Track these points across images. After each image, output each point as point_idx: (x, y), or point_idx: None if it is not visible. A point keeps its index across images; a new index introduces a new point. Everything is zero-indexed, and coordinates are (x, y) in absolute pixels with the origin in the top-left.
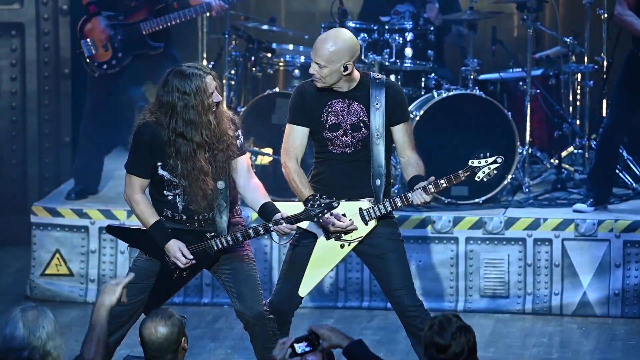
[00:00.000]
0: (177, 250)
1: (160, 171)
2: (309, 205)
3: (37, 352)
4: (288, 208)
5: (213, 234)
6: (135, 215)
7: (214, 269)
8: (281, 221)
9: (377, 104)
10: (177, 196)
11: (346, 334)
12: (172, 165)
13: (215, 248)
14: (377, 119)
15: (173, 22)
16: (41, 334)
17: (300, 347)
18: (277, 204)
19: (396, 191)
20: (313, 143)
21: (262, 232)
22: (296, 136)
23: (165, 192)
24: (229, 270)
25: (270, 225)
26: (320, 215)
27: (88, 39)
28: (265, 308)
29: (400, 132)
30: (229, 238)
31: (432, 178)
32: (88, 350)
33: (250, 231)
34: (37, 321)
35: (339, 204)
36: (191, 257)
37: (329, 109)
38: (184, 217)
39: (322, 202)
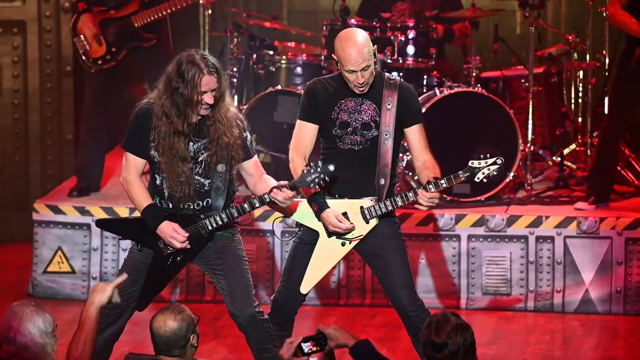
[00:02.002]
0: (172, 231)
1: (152, 152)
2: (305, 171)
3: (31, 345)
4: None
5: (209, 214)
6: (130, 198)
7: (207, 267)
8: (276, 189)
9: (388, 105)
10: (164, 181)
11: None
12: (156, 140)
13: (210, 227)
14: (388, 119)
15: (164, 12)
16: (37, 325)
17: (307, 347)
18: None
19: (398, 189)
20: (321, 140)
21: (257, 205)
22: (305, 133)
23: (155, 175)
24: (220, 270)
25: (266, 196)
26: (316, 180)
27: (81, 36)
28: (257, 309)
29: (414, 134)
30: (223, 215)
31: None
32: (75, 349)
33: (246, 205)
34: (33, 316)
35: (334, 167)
36: (187, 234)
37: (341, 107)
38: (170, 205)
39: (318, 167)
